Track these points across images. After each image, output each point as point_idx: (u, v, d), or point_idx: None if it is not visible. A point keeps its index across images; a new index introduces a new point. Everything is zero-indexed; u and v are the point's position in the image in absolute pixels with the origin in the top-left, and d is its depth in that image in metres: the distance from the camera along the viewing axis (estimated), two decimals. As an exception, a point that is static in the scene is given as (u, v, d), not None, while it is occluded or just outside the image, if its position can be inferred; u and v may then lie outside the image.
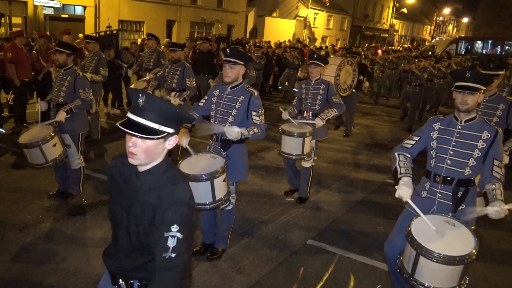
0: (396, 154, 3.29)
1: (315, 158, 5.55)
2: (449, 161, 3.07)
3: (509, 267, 4.40)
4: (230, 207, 4.00)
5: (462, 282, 2.76)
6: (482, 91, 2.97)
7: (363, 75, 9.68)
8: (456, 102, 3.03)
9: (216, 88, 3.92)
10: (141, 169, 1.89)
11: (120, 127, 1.72)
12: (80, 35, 13.81)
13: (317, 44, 32.66)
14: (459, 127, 3.08)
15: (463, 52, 24.70)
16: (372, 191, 6.30)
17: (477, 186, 3.08)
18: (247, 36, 31.86)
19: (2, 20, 18.87)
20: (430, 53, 25.92)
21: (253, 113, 3.75)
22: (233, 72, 3.72)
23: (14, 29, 16.86)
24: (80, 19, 22.18)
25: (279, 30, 33.30)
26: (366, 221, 5.24)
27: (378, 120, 11.83)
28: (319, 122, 5.11)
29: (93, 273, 3.78)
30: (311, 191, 6.01)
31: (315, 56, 5.21)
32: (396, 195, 3.02)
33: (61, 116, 4.75)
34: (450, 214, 3.04)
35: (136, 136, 1.74)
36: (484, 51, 26.77)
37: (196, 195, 3.52)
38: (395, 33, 50.98)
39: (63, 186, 5.23)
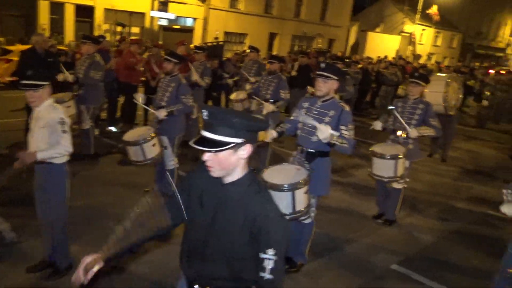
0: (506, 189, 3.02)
1: (407, 179, 5.28)
2: None
3: (487, 250, 3.90)
4: (309, 220, 3.97)
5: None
6: None
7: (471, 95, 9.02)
8: None
9: (306, 100, 3.94)
10: (226, 180, 1.93)
11: (192, 144, 1.81)
12: (191, 45, 14.75)
13: (422, 61, 31.13)
14: None
15: None
16: (471, 221, 5.82)
17: None
18: (349, 51, 31.47)
19: (121, 29, 21.05)
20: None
21: (343, 127, 3.70)
22: (326, 86, 3.71)
23: (132, 37, 18.62)
24: (190, 30, 23.71)
25: (382, 45, 32.40)
26: (460, 253, 4.85)
27: (484, 146, 10.90)
28: (414, 133, 4.83)
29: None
30: (403, 213, 5.75)
31: (416, 74, 4.98)
32: (502, 209, 2.75)
33: (161, 113, 5.09)
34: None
35: (202, 150, 1.82)
36: None
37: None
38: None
39: (159, 185, 5.59)
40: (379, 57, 21.84)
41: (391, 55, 27.60)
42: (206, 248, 1.99)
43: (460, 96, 8.38)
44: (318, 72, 3.73)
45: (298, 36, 28.67)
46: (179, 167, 5.71)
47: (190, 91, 5.41)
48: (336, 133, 3.55)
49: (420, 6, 33.94)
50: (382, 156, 4.83)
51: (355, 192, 6.50)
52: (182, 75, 5.59)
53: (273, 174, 3.70)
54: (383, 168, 4.86)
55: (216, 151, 1.81)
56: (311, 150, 3.82)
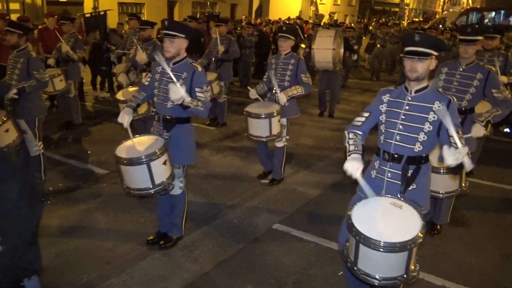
0: (346, 133, 2.98)
1: (287, 137, 5.23)
2: (397, 137, 2.75)
3: (487, 252, 4.06)
4: (178, 192, 3.74)
5: (413, 268, 2.46)
6: (434, 57, 2.62)
7: (348, 51, 9.24)
8: (406, 69, 2.68)
9: (158, 64, 3.63)
10: None
11: None
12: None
13: (325, 20, 31.78)
14: (409, 98, 2.74)
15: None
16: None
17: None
18: (253, 15, 31.19)
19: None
20: (440, 26, 25.02)
21: (197, 89, 3.46)
22: (174, 46, 3.42)
23: (12, 15, 16.69)
24: (79, 3, 21.84)
25: (285, 8, 32.49)
26: (341, 204, 4.92)
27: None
28: (282, 97, 4.75)
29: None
30: (290, 171, 5.75)
31: (283, 28, 4.83)
32: (345, 169, 2.69)
33: (11, 92, 4.48)
34: (399, 195, 2.74)
35: None
36: (496, 22, 25.65)
37: (136, 180, 3.32)
38: (406, 7, 49.45)
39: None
40: (279, 19, 21.80)
41: (294, 16, 27.72)
42: None
43: (341, 51, 8.54)
44: (163, 32, 3.42)
45: (199, 2, 27.75)
46: (58, 151, 5.19)
47: (42, 65, 4.83)
48: (187, 96, 3.28)
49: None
50: (257, 116, 4.70)
51: (246, 156, 6.39)
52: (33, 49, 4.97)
53: (128, 148, 3.40)
54: (259, 128, 4.75)
55: None
56: (168, 117, 3.55)
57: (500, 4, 30.00)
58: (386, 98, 2.85)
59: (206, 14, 17.31)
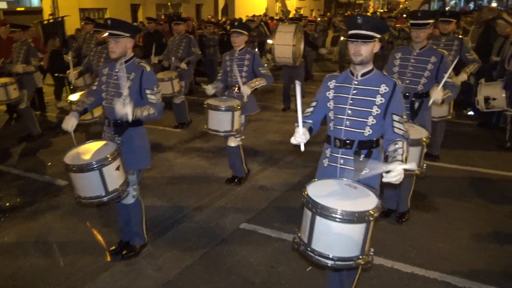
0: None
1: (243, 137, 5.11)
2: (347, 122, 2.69)
3: (454, 234, 4.06)
4: (131, 200, 3.57)
5: (366, 252, 2.38)
6: (378, 39, 2.57)
7: (309, 46, 9.25)
8: (350, 53, 2.63)
9: (104, 66, 3.47)
10: None
11: None
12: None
13: (291, 16, 31.84)
14: (355, 82, 2.69)
15: (436, 12, 24.07)
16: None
17: (382, 147, 2.72)
18: (219, 14, 30.98)
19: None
20: (404, 15, 25.38)
21: (148, 91, 3.33)
22: (119, 46, 3.27)
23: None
24: (38, 11, 21.24)
25: (251, 6, 32.40)
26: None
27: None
28: (246, 89, 4.65)
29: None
30: (257, 168, 5.67)
31: (235, 24, 4.73)
32: (292, 142, 2.61)
33: None
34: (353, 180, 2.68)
35: None
36: (457, 9, 26.28)
37: (87, 188, 3.16)
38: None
39: None
40: (247, 16, 21.69)
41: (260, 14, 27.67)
42: None
43: (302, 46, 8.50)
44: (108, 31, 3.27)
45: (163, 4, 27.38)
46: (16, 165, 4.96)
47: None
48: (134, 109, 3.16)
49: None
50: (217, 108, 4.57)
51: (213, 156, 6.27)
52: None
53: (78, 154, 3.24)
54: (219, 121, 4.62)
55: None
56: (119, 121, 3.40)
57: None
58: (332, 84, 2.79)
59: (167, 14, 17.05)
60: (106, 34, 6.08)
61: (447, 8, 26.17)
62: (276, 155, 6.23)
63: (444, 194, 4.86)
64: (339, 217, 2.21)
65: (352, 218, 2.23)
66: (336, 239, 2.29)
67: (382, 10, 31.93)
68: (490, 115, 7.12)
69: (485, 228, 4.14)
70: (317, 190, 2.45)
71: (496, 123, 7.22)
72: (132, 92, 3.29)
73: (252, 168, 5.59)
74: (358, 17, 2.53)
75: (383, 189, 4.18)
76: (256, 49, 14.06)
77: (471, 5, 26.29)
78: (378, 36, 2.55)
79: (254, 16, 22.87)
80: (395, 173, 2.31)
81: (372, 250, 2.41)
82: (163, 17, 22.81)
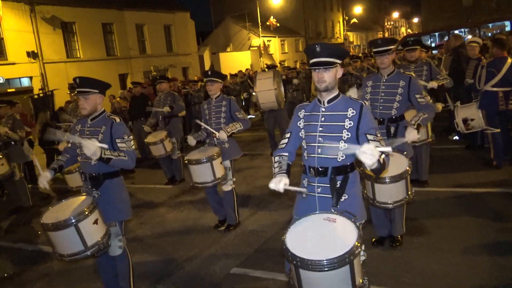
0: (273, 157, 2.96)
1: (234, 179, 5.15)
2: (319, 150, 2.73)
3: (447, 254, 3.99)
4: (118, 252, 3.53)
5: (361, 282, 2.36)
6: (339, 65, 2.67)
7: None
8: (314, 81, 2.72)
9: (77, 123, 3.57)
10: None
11: None
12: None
13: (278, 69, 32.79)
14: (323, 109, 2.76)
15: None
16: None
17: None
18: (206, 75, 31.86)
19: None
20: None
21: (118, 140, 3.40)
22: (89, 102, 3.39)
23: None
24: (29, 90, 21.80)
25: (235, 63, 33.43)
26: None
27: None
28: (222, 134, 4.74)
29: None
30: (247, 213, 5.63)
31: (209, 73, 4.90)
32: (270, 187, 2.68)
33: None
34: (332, 209, 2.67)
35: None
36: (433, 44, 27.20)
37: (66, 245, 3.13)
38: (350, 44, 51.92)
39: None
40: (230, 73, 22.35)
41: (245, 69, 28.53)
42: None
43: (282, 89, 8.73)
44: (77, 90, 3.38)
45: (150, 71, 28.25)
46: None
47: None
48: (105, 146, 3.19)
49: (259, 20, 35.93)
50: (198, 162, 4.64)
51: (203, 207, 6.24)
52: None
53: (57, 212, 3.24)
54: (202, 174, 4.69)
55: None
56: (95, 174, 3.43)
57: (434, 27, 32.03)
58: (302, 113, 2.86)
59: (149, 77, 17.49)
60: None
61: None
62: (266, 199, 6.21)
63: (434, 216, 4.82)
64: (319, 267, 2.20)
65: (332, 265, 2.21)
66: (324, 285, 2.28)
67: (361, 54, 32.92)
68: (474, 137, 7.20)
69: (476, 245, 4.08)
70: (295, 239, 2.44)
71: (481, 144, 7.29)
72: (105, 144, 3.34)
73: (242, 214, 5.56)
74: (316, 46, 2.63)
75: (377, 215, 4.17)
76: (243, 103, 14.47)
77: (446, 39, 27.27)
78: (339, 61, 2.65)
79: (240, 71, 23.55)
80: (365, 148, 2.26)
81: (366, 279, 2.38)
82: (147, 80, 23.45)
